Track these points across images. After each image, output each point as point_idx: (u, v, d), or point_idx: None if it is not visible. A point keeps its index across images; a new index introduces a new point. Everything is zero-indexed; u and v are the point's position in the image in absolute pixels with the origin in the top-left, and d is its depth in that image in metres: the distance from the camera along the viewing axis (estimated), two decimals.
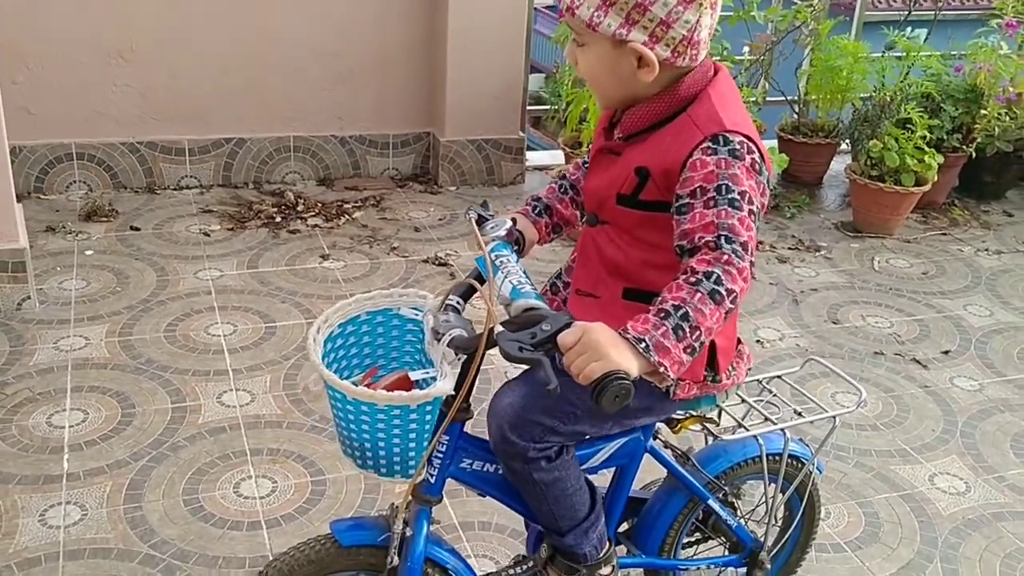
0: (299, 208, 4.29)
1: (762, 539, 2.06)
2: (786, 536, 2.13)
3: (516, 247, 1.77)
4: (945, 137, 4.52)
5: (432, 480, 1.71)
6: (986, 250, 4.42)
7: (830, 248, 4.30)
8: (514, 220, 1.80)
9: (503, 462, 1.73)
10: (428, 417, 1.59)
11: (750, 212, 1.47)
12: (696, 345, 1.42)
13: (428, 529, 1.71)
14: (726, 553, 2.09)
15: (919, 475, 2.82)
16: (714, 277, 1.42)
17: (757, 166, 1.50)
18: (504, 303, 1.55)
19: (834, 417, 1.97)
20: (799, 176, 4.91)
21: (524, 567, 1.87)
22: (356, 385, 1.58)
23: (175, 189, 4.41)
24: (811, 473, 2.05)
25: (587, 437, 1.77)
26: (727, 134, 1.50)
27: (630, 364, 1.36)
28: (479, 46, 4.44)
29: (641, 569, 2.06)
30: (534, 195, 1.89)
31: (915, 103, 4.40)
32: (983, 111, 4.53)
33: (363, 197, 4.47)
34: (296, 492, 2.58)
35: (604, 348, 1.35)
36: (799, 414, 1.98)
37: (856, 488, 2.73)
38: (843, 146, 5.02)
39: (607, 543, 1.85)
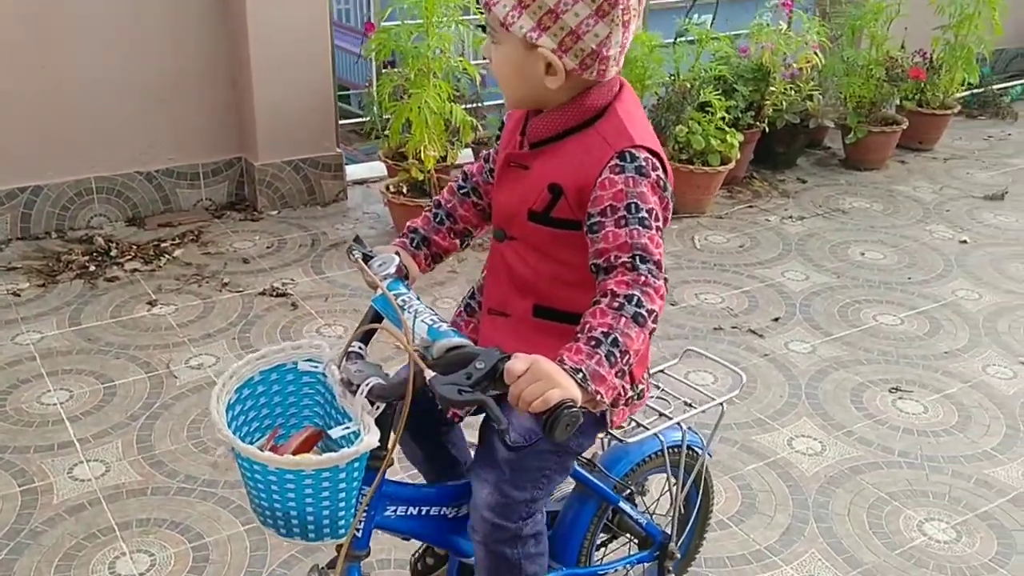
0: (113, 253, 4.03)
1: (668, 531, 2.13)
2: (688, 523, 2.22)
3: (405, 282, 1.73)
4: (740, 115, 4.80)
5: (359, 535, 1.66)
6: (790, 217, 4.74)
7: None
8: (397, 254, 1.76)
9: (491, 551, 1.72)
10: (356, 474, 1.54)
11: (657, 229, 1.51)
12: (626, 368, 1.45)
13: None
14: (636, 550, 2.16)
15: (778, 441, 3.00)
16: (635, 300, 1.45)
17: (662, 183, 1.54)
18: (424, 345, 1.51)
19: (722, 404, 2.07)
20: None
21: None
22: (261, 450, 1.50)
23: None
24: (703, 461, 2.14)
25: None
26: (634, 150, 1.52)
27: (576, 393, 1.37)
28: (283, 65, 4.32)
29: None
30: (410, 226, 1.85)
31: (711, 86, 4.64)
32: (771, 88, 4.84)
33: (180, 233, 4.25)
34: (178, 562, 2.44)
35: (556, 376, 1.36)
36: (689, 405, 2.06)
37: (726, 463, 2.87)
38: None
39: None
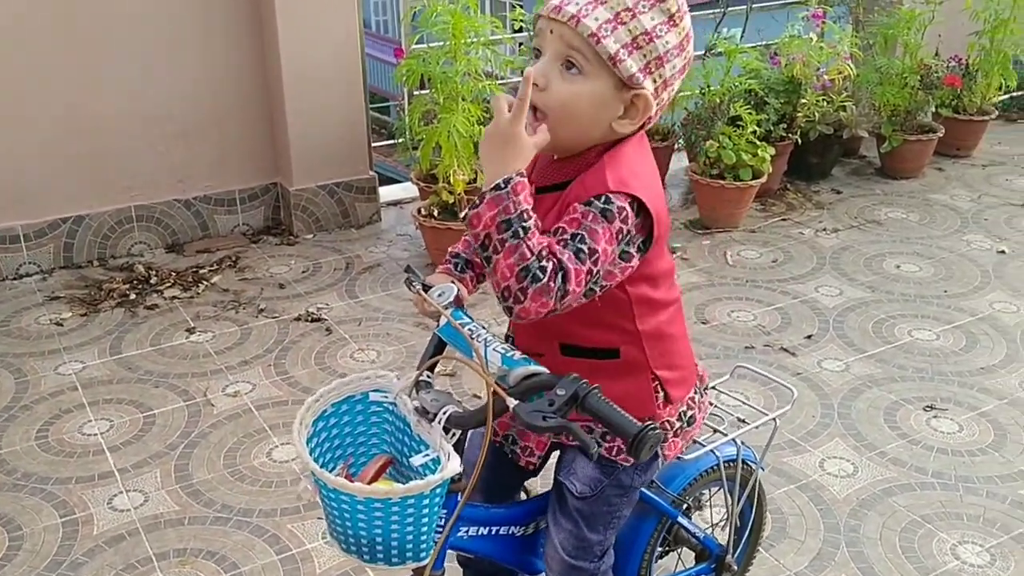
0: (152, 281, 4.12)
1: (725, 544, 2.18)
2: (744, 536, 2.26)
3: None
4: (772, 128, 4.77)
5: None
6: (824, 230, 4.71)
7: (685, 248, 4.48)
8: (453, 281, 1.76)
9: None
10: (437, 499, 1.58)
11: (589, 272, 1.46)
12: (498, 241, 1.43)
13: None
14: (694, 563, 2.21)
15: (810, 463, 2.98)
16: (533, 273, 1.42)
17: (623, 235, 1.50)
18: (501, 374, 1.53)
19: (774, 419, 2.09)
20: None
21: None
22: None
23: (14, 279, 4.15)
24: (757, 475, 2.18)
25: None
26: (612, 195, 1.49)
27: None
28: (316, 90, 4.38)
29: None
30: (452, 251, 1.85)
31: (742, 100, 4.63)
32: (803, 100, 4.82)
33: (218, 259, 4.34)
34: None
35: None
36: (742, 421, 2.09)
37: None
38: (677, 146, 5.22)
39: None
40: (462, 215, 1.48)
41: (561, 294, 1.43)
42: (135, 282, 4.11)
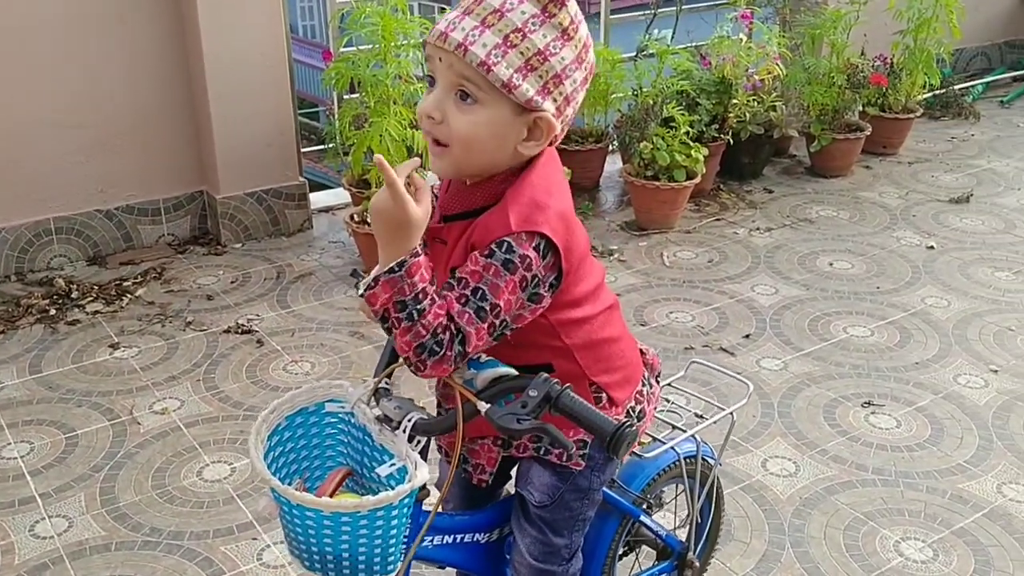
0: (74, 295, 3.96)
1: (686, 541, 2.16)
2: (704, 533, 2.25)
3: None
4: (704, 129, 4.78)
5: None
6: (757, 229, 4.73)
7: (621, 250, 4.46)
8: None
9: None
10: (406, 510, 1.53)
11: (491, 326, 1.43)
12: (397, 314, 1.40)
13: None
14: (656, 561, 2.19)
15: (752, 464, 2.97)
16: (429, 348, 1.40)
17: (527, 282, 1.45)
18: (468, 377, 1.49)
19: (731, 413, 2.07)
20: (577, 183, 5.05)
21: None
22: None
23: None
24: (715, 470, 2.17)
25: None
26: (512, 240, 1.43)
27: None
28: (242, 95, 4.26)
29: None
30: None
31: (674, 102, 4.63)
32: (734, 100, 4.84)
33: (142, 271, 4.19)
34: None
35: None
36: (700, 416, 2.07)
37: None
38: (611, 148, 5.20)
39: None
40: (359, 292, 1.44)
41: (461, 357, 1.43)
42: (55, 297, 3.94)
